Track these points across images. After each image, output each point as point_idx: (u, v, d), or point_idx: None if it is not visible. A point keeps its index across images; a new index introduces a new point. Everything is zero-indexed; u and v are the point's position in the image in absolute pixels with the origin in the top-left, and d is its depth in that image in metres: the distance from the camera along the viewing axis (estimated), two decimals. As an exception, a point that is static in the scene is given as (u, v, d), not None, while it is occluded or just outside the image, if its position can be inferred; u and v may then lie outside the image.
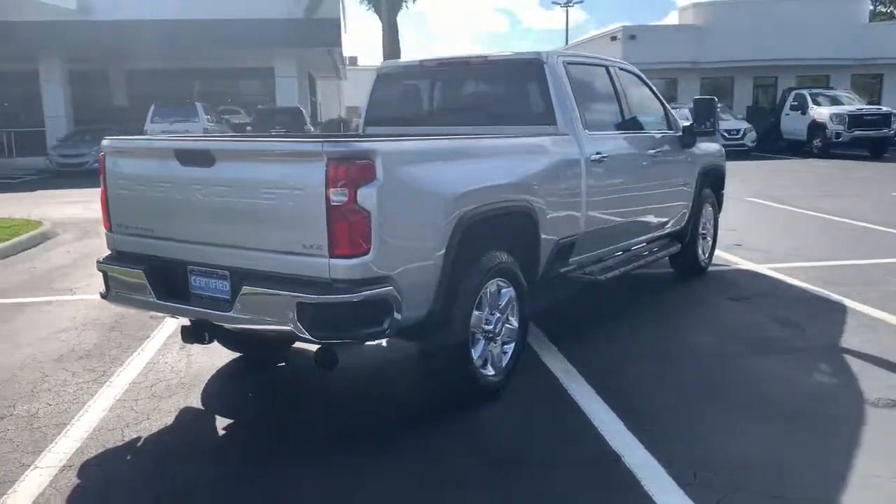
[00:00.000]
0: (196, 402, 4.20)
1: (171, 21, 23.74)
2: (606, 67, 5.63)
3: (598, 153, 4.96)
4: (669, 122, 6.31)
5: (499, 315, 4.08)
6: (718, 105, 6.94)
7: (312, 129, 21.65)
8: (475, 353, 3.91)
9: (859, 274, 7.01)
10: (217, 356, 4.81)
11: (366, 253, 3.23)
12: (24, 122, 26.51)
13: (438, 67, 5.39)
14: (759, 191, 13.78)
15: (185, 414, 4.03)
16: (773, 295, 6.36)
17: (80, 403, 4.14)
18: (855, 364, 4.58)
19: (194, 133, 19.13)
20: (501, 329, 4.11)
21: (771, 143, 24.09)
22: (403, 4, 24.82)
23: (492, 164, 4.05)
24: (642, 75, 6.18)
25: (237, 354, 4.84)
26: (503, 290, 4.13)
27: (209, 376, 4.57)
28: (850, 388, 4.19)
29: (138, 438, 3.72)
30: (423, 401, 4.19)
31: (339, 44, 25.69)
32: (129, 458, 3.54)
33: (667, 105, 6.33)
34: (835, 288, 6.37)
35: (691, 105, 6.58)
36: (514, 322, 4.23)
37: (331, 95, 45.55)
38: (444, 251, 3.57)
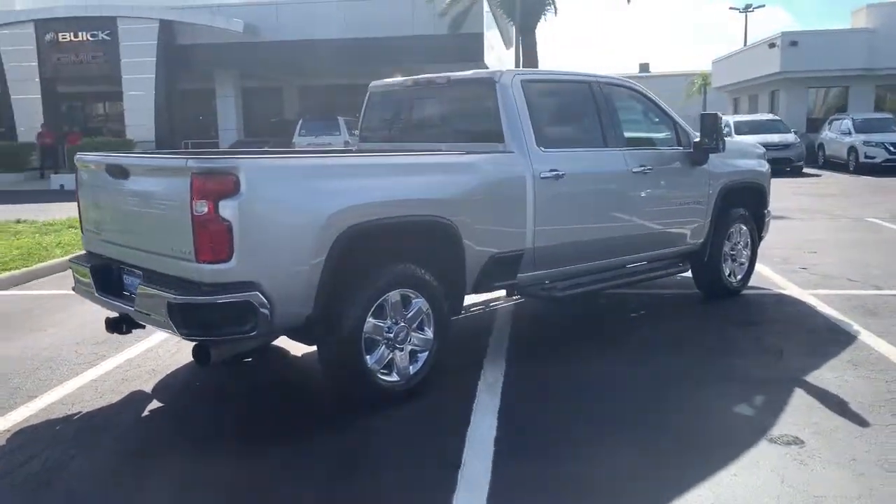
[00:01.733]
0: (150, 387, 4.75)
1: (326, 40, 25.44)
2: (589, 84, 5.60)
3: (552, 170, 4.99)
4: (678, 138, 6.12)
5: (404, 324, 4.27)
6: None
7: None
8: (371, 359, 4.14)
9: (911, 306, 6.38)
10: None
11: (227, 260, 3.59)
12: (202, 135, 29.41)
13: (414, 87, 5.64)
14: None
15: (132, 396, 4.58)
16: (787, 322, 5.98)
17: (60, 381, 4.82)
18: (796, 398, 4.29)
19: (334, 146, 20.38)
20: (407, 337, 4.30)
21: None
22: (543, 17, 24.84)
23: (390, 180, 4.25)
24: (644, 91, 6.05)
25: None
26: (414, 301, 4.32)
27: (179, 367, 5.11)
28: (763, 422, 3.96)
29: (80, 412, 4.31)
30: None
31: (482, 58, 26.25)
32: (58, 427, 4.12)
33: (678, 121, 6.13)
34: (866, 320, 5.87)
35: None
36: (429, 332, 4.41)
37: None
38: (321, 261, 3.84)
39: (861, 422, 3.94)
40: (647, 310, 6.53)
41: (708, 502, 3.15)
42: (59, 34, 25.90)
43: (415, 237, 4.38)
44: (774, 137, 22.14)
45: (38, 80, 26.11)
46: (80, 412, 4.32)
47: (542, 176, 4.94)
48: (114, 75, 26.03)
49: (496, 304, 6.52)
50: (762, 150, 7.37)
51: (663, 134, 6.14)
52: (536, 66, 24.81)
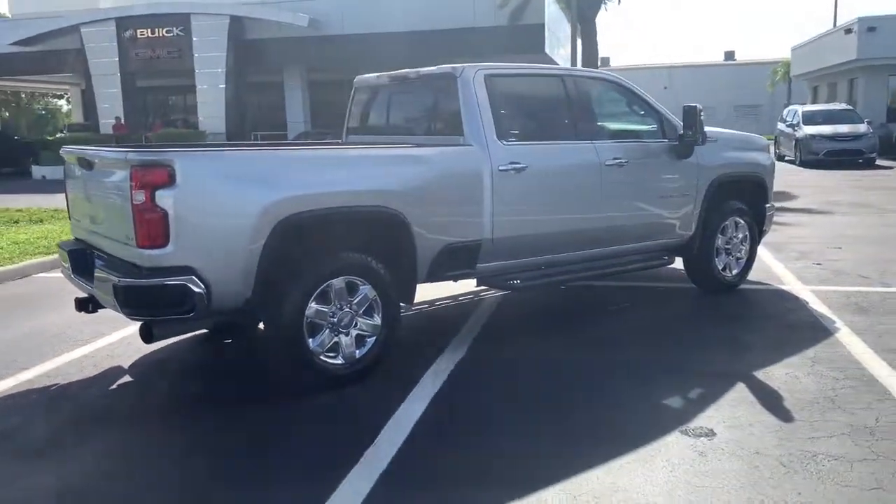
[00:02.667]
0: (128, 363, 5.12)
1: (387, 34, 25.85)
2: (561, 78, 5.66)
3: (513, 163, 5.09)
4: (664, 131, 6.08)
5: (349, 310, 4.48)
6: None
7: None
8: (314, 342, 4.36)
9: (909, 304, 6.17)
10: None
11: (164, 246, 3.88)
12: (270, 126, 30.33)
13: (392, 82, 5.81)
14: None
15: (108, 371, 4.96)
16: (769, 318, 5.90)
17: (54, 355, 5.24)
18: (733, 392, 4.27)
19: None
20: (352, 322, 4.51)
21: None
22: (603, 5, 24.46)
23: (331, 172, 4.45)
24: (626, 84, 6.04)
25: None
26: (361, 287, 4.52)
27: (164, 346, 5.45)
28: (686, 414, 3.98)
29: (57, 384, 4.71)
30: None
31: (542, 49, 26.11)
32: (33, 396, 4.53)
33: (664, 113, 6.08)
34: (852, 317, 5.72)
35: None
36: (378, 318, 4.60)
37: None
38: (259, 248, 4.08)
39: (786, 417, 3.91)
40: (633, 302, 6.52)
41: (591, 484, 3.23)
42: (138, 31, 27.18)
43: (360, 226, 4.57)
44: (844, 128, 21.26)
45: (118, 74, 27.47)
46: (57, 384, 4.72)
47: (500, 168, 5.05)
48: (187, 69, 27.14)
49: (486, 294, 6.66)
50: (764, 142, 7.21)
51: (646, 126, 6.12)
52: (596, 57, 24.50)
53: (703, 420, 3.90)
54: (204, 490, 3.37)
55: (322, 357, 4.41)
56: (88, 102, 28.89)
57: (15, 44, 28.19)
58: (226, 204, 4.05)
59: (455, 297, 6.60)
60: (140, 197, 3.84)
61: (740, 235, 6.71)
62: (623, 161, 5.72)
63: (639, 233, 5.98)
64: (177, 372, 5.07)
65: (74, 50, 27.64)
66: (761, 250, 8.40)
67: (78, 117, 36.14)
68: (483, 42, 26.02)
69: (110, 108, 27.71)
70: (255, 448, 3.76)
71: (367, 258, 4.52)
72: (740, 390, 4.32)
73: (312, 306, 4.33)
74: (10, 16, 36.39)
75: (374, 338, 4.61)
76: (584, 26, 24.08)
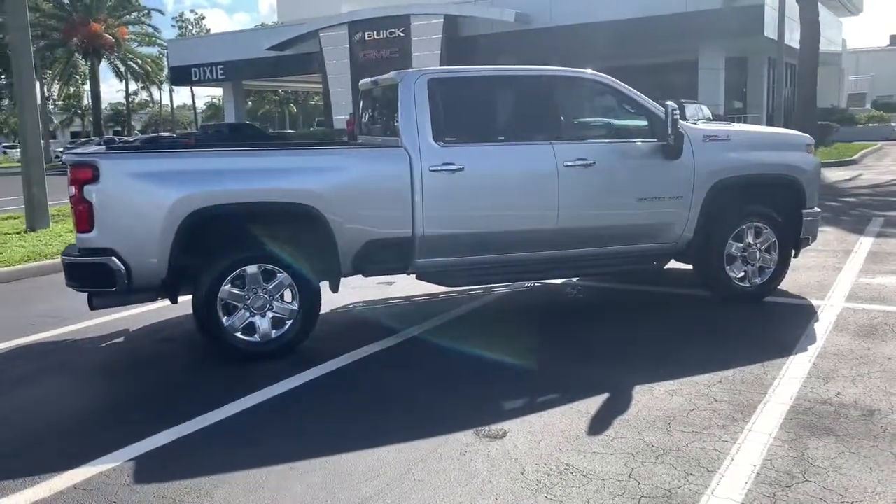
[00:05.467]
0: (130, 329, 6.15)
1: (595, 24, 25.66)
2: (522, 79, 5.70)
3: (447, 164, 5.29)
4: (654, 131, 5.79)
5: (264, 294, 5.05)
6: None
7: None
8: (229, 320, 5.00)
9: (934, 329, 5.29)
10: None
11: (90, 231, 4.75)
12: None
13: (374, 86, 6.21)
14: None
15: (109, 336, 6.00)
16: (756, 337, 5.38)
17: (76, 321, 6.35)
18: (586, 403, 4.16)
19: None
20: (267, 305, 5.07)
21: None
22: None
23: (243, 172, 5.01)
24: (611, 83, 5.83)
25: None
26: (277, 275, 5.07)
27: (164, 320, 6.40)
28: (499, 417, 4.00)
29: (63, 342, 5.86)
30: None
31: (761, 32, 24.16)
32: (37, 350, 5.70)
33: (653, 112, 5.77)
34: (848, 340, 5.13)
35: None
36: (295, 304, 5.13)
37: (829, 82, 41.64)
38: (171, 236, 4.80)
39: (600, 430, 3.79)
40: (630, 308, 6.30)
41: (358, 462, 3.50)
42: (366, 33, 29.72)
43: (275, 220, 5.10)
44: None
45: (348, 74, 30.24)
46: (63, 342, 5.85)
47: (431, 169, 5.28)
48: (406, 68, 29.06)
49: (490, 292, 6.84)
50: (803, 141, 6.44)
51: (629, 126, 5.88)
52: (817, 40, 22.18)
53: (508, 424, 3.91)
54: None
55: (237, 334, 5.04)
56: (326, 101, 32.15)
57: (269, 49, 32.30)
58: (142, 197, 4.82)
59: (436, 294, 6.82)
60: (72, 190, 4.75)
61: (762, 243, 6.15)
62: (589, 162, 5.60)
63: (613, 235, 5.80)
64: (159, 344, 5.83)
65: (314, 53, 30.95)
66: (849, 258, 7.56)
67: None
68: (696, 26, 24.82)
69: (345, 106, 30.61)
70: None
71: (283, 247, 5.05)
72: (595, 400, 4.19)
73: (226, 289, 4.97)
74: (280, 23, 41.56)
75: (291, 321, 5.13)
76: (806, 10, 21.91)
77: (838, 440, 3.60)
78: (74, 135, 67.70)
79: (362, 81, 6.60)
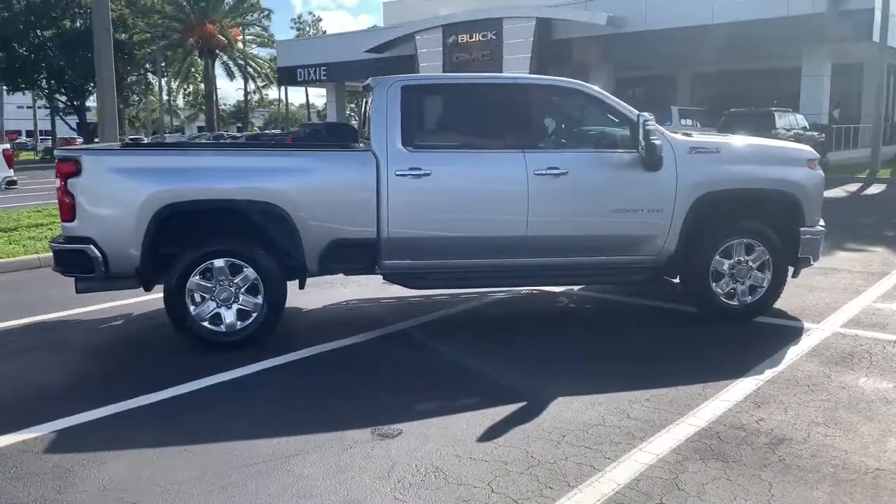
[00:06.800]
0: (131, 314, 6.61)
1: (695, 27, 24.89)
2: (498, 87, 5.75)
3: (413, 168, 5.42)
4: (634, 141, 5.68)
5: (230, 287, 5.34)
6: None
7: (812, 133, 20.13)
8: (196, 309, 5.32)
9: (916, 360, 4.95)
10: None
11: (72, 220, 5.18)
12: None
13: (365, 90, 6.38)
14: None
15: (109, 318, 6.48)
16: (727, 345, 5.26)
17: (89, 305, 6.93)
18: (498, 410, 4.19)
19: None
20: (233, 298, 5.35)
21: None
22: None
23: (211, 171, 5.29)
24: (594, 93, 5.78)
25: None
26: (245, 270, 5.35)
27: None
28: (400, 417, 4.09)
29: (66, 321, 6.37)
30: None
31: (870, 37, 22.71)
32: (43, 325, 6.23)
33: (636, 123, 5.60)
34: (818, 366, 4.91)
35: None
36: (259, 298, 5.39)
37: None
38: (144, 228, 5.15)
39: (492, 437, 3.83)
40: (610, 319, 6.22)
41: (260, 448, 3.72)
42: (459, 36, 30.01)
43: (243, 217, 5.36)
44: None
45: (441, 76, 30.66)
46: (70, 322, 6.36)
47: (397, 173, 5.41)
48: (496, 71, 29.15)
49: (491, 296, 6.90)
50: (804, 155, 6.09)
51: (610, 136, 5.80)
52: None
53: (405, 425, 3.99)
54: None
55: (204, 324, 5.35)
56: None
57: (368, 51, 33.18)
58: (119, 191, 5.20)
59: (429, 296, 6.91)
60: (59, 183, 5.20)
61: (754, 260, 5.91)
62: (561, 171, 5.57)
63: (587, 246, 5.73)
64: (147, 331, 6.24)
65: (409, 56, 31.54)
66: (879, 282, 7.14)
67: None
68: (799, 31, 23.62)
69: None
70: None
71: (250, 244, 5.33)
72: (504, 409, 4.21)
73: (194, 280, 5.29)
74: (382, 26, 42.58)
75: (256, 314, 5.40)
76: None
77: (724, 466, 3.49)
78: (200, 129, 71.73)
79: (362, 86, 6.81)
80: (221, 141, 8.91)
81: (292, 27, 78.08)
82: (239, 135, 37.33)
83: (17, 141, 54.64)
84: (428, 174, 5.44)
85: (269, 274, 5.36)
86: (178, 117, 76.41)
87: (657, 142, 5.46)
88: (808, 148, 6.30)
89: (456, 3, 33.20)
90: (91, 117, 53.48)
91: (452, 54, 30.30)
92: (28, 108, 62.86)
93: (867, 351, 5.17)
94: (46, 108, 52.60)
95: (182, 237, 5.31)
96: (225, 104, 75.52)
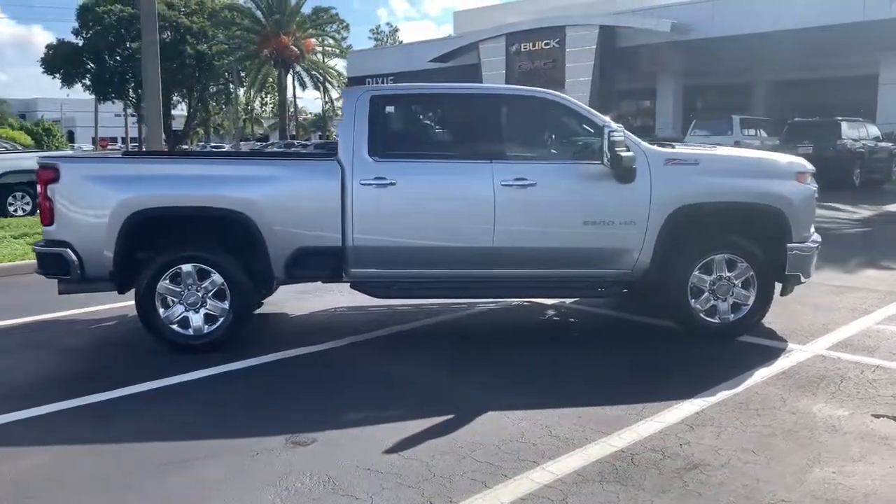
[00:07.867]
0: (125, 315, 6.86)
1: (763, 34, 24.10)
2: (469, 97, 5.71)
3: (378, 178, 5.45)
4: (600, 152, 5.52)
5: (197, 291, 5.49)
6: None
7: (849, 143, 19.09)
8: (165, 312, 5.49)
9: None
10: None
11: (51, 224, 5.44)
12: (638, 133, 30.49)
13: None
14: None
15: (105, 317, 6.75)
16: (693, 364, 5.09)
17: (94, 304, 7.23)
18: (424, 421, 4.17)
19: (722, 145, 19.57)
20: (200, 302, 5.50)
21: None
22: None
23: (180, 179, 5.45)
24: (565, 102, 5.69)
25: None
26: (212, 275, 5.50)
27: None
28: (325, 426, 4.12)
29: (67, 318, 6.68)
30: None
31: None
32: (46, 322, 6.54)
33: (608, 134, 5.38)
34: (777, 389, 4.69)
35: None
36: (226, 303, 5.52)
37: None
38: (116, 232, 5.36)
39: (400, 449, 3.81)
40: (584, 334, 6.08)
41: (190, 450, 3.84)
42: (521, 44, 29.94)
43: (210, 224, 5.51)
44: None
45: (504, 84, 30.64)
46: (67, 321, 6.66)
47: (362, 182, 5.46)
48: (559, 79, 28.92)
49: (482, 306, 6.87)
50: (793, 168, 5.79)
51: (581, 148, 5.68)
52: None
53: (320, 434, 4.01)
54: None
55: (173, 326, 5.52)
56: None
57: (432, 61, 33.47)
58: (93, 197, 5.43)
59: (418, 305, 6.90)
60: (39, 189, 5.47)
61: (736, 276, 5.68)
62: (529, 182, 5.49)
63: (556, 258, 5.62)
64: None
65: (473, 65, 31.65)
66: (878, 300, 6.79)
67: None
68: (873, 37, 22.55)
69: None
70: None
71: (217, 250, 5.47)
72: (423, 420, 4.18)
73: (163, 284, 5.46)
74: (452, 34, 42.87)
75: (223, 318, 5.53)
76: None
77: (619, 490, 3.37)
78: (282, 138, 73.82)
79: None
80: (290, 149, 9.15)
81: (370, 37, 79.43)
82: (308, 143, 38.34)
83: (109, 147, 57.53)
84: (393, 184, 5.46)
85: (235, 279, 5.49)
86: (260, 126, 78.75)
87: (624, 153, 5.32)
88: (800, 160, 6.00)
89: (522, 12, 33.13)
90: (176, 125, 56.03)
91: (515, 63, 30.28)
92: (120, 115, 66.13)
93: (841, 375, 4.88)
94: (134, 115, 55.19)
95: (153, 242, 5.50)
96: (309, 113, 77.40)
